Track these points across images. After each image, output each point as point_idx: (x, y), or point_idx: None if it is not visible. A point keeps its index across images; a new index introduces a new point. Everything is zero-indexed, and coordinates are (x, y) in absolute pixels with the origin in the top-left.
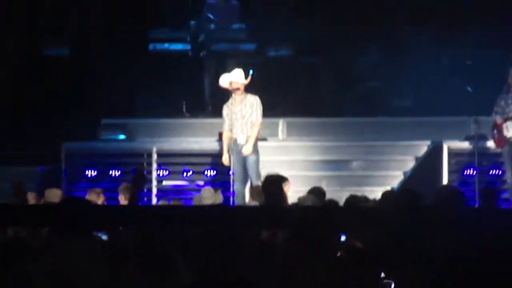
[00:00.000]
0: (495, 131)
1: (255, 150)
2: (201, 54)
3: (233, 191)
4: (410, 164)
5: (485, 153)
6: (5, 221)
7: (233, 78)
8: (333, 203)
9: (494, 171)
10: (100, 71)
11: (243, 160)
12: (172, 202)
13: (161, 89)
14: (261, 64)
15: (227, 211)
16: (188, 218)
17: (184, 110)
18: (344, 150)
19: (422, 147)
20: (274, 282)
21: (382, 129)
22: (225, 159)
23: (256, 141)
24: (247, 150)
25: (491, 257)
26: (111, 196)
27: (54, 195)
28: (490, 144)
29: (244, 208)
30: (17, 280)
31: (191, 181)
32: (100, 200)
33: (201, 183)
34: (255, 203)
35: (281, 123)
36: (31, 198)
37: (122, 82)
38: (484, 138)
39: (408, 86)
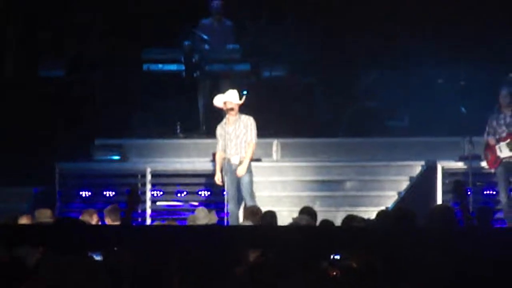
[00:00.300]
0: (488, 152)
1: (249, 170)
2: (195, 74)
3: (227, 212)
4: (404, 184)
5: (479, 173)
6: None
7: (228, 99)
8: (329, 223)
9: (488, 191)
10: (94, 91)
11: (237, 181)
12: (166, 223)
13: (155, 110)
14: (255, 84)
15: (221, 232)
16: (183, 238)
17: (178, 130)
18: (338, 171)
19: (416, 167)
20: None
21: (376, 149)
22: (217, 179)
23: (250, 162)
24: (241, 171)
25: (486, 275)
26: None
27: (44, 215)
28: (484, 164)
29: (238, 228)
30: None
31: (185, 201)
32: (94, 221)
33: (195, 203)
34: (249, 223)
35: (275, 144)
36: (25, 219)
37: (116, 103)
38: (478, 158)
39: (402, 106)
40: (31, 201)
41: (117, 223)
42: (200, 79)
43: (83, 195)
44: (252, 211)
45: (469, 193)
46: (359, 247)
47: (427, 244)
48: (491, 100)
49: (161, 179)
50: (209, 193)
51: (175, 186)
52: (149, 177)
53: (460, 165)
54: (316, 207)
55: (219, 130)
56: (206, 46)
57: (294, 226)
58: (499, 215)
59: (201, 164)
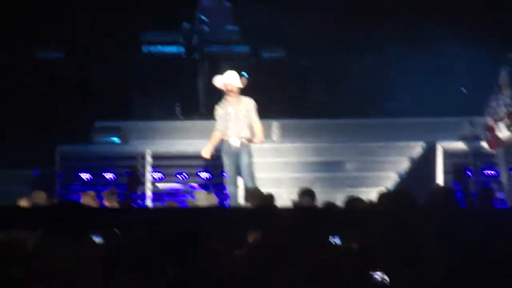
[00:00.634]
0: (488, 133)
1: (249, 152)
2: (195, 56)
3: (227, 193)
4: (404, 165)
5: (479, 153)
6: None
7: (227, 80)
8: (330, 204)
9: (489, 171)
10: (93, 73)
11: (237, 162)
12: (167, 205)
13: (154, 92)
14: (255, 66)
15: (221, 213)
16: (183, 220)
17: (178, 112)
18: (338, 152)
19: (416, 148)
20: (267, 280)
21: (376, 130)
22: (205, 151)
23: (250, 144)
24: (260, 138)
25: (488, 256)
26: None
27: (39, 197)
28: (485, 145)
29: (240, 210)
30: (10, 284)
31: (185, 183)
32: (94, 203)
33: (195, 185)
34: (249, 205)
35: (275, 125)
36: (25, 202)
37: (115, 85)
38: (479, 139)
39: (402, 87)
40: (31, 184)
41: (115, 205)
42: (199, 61)
43: (83, 178)
44: (252, 193)
45: (469, 174)
46: (361, 229)
47: (427, 225)
48: (492, 80)
49: (161, 161)
50: (209, 174)
51: (175, 168)
52: (149, 159)
53: (460, 145)
54: (316, 188)
55: (219, 110)
56: (206, 28)
57: (296, 208)
58: (500, 196)
59: (201, 145)
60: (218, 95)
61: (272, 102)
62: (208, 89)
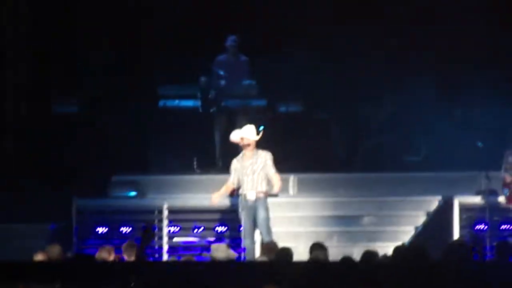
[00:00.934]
0: (506, 189)
1: (265, 206)
2: (212, 110)
3: (244, 247)
4: (421, 219)
5: (496, 208)
6: (16, 278)
7: (244, 134)
8: (346, 259)
9: (505, 226)
10: (111, 128)
11: (254, 216)
12: (183, 259)
13: (171, 146)
14: (272, 119)
15: (238, 267)
16: (201, 273)
17: (195, 166)
18: (355, 206)
19: (433, 202)
20: None
21: (393, 184)
22: (213, 197)
23: (266, 198)
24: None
25: None
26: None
27: (54, 251)
28: (501, 199)
29: (257, 264)
30: None
31: (202, 237)
32: (111, 257)
33: (212, 239)
34: (265, 259)
35: (292, 179)
36: (41, 256)
37: (132, 139)
38: (495, 193)
39: (419, 141)
40: (47, 238)
41: (134, 258)
42: (216, 115)
43: (100, 232)
44: (269, 247)
45: (486, 227)
46: (377, 283)
47: (443, 279)
48: (507, 134)
49: (178, 215)
50: (225, 228)
51: (192, 222)
52: (166, 213)
53: (477, 200)
54: (334, 242)
55: (235, 164)
56: (223, 82)
57: (312, 262)
58: None
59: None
60: (235, 149)
61: (289, 156)
62: (224, 143)
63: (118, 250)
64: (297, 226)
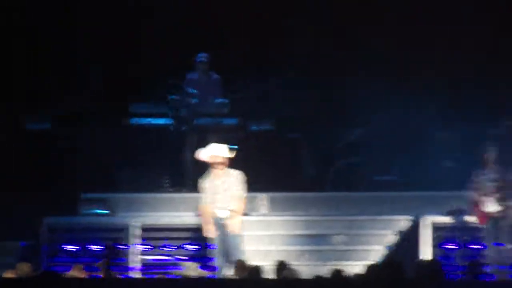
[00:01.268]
0: (476, 208)
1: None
2: (183, 128)
3: (216, 266)
4: (391, 238)
5: (466, 227)
6: None
7: (216, 153)
8: (318, 278)
9: (475, 245)
10: (80, 145)
11: (225, 235)
12: (155, 277)
13: (142, 164)
14: (243, 138)
15: (211, 284)
16: None
17: (166, 184)
18: (326, 225)
19: (403, 222)
20: None
21: (363, 203)
22: (209, 231)
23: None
24: (236, 227)
25: None
26: (92, 271)
27: (23, 269)
28: (471, 219)
29: (227, 281)
30: None
31: (173, 255)
32: (82, 275)
33: (183, 257)
34: (236, 277)
35: (263, 198)
36: (10, 274)
37: (103, 157)
38: (465, 213)
39: (389, 161)
40: (17, 255)
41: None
42: (188, 133)
43: (70, 250)
44: (241, 266)
45: (456, 247)
46: None
47: None
48: (474, 154)
49: (149, 233)
50: (197, 247)
51: (163, 240)
52: (136, 231)
53: (446, 219)
54: (304, 261)
55: (206, 183)
56: (194, 100)
57: (283, 280)
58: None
59: (189, 218)
60: (206, 167)
61: (260, 175)
62: (196, 162)
63: (88, 268)
64: (268, 244)
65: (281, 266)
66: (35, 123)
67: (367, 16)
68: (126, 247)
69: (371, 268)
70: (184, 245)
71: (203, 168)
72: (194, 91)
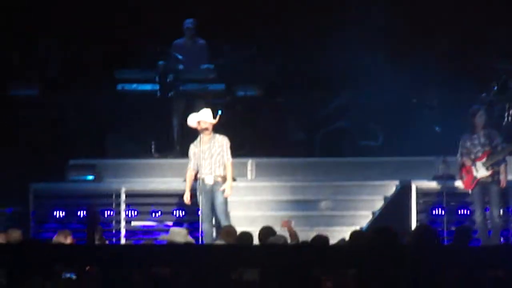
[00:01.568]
0: (464, 173)
1: (223, 190)
2: (170, 94)
3: (202, 231)
4: (378, 203)
5: (453, 193)
6: None
7: (202, 118)
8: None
9: (462, 210)
10: (67, 112)
11: (211, 200)
12: (142, 243)
13: (129, 130)
14: (230, 104)
15: (198, 250)
16: (159, 257)
17: (152, 150)
18: (313, 190)
19: (390, 187)
20: None
21: (350, 169)
22: (186, 198)
23: (224, 182)
24: (229, 191)
25: None
26: (80, 237)
27: (14, 235)
28: (458, 184)
29: (217, 247)
30: None
31: (160, 221)
32: (68, 241)
33: (170, 223)
34: (223, 242)
35: (250, 163)
36: (1, 238)
37: (90, 123)
38: (452, 178)
39: (376, 126)
40: (5, 221)
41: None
42: (174, 99)
43: (57, 216)
44: (227, 231)
45: (443, 212)
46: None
47: (408, 262)
48: (464, 119)
49: (136, 199)
50: (183, 212)
51: (150, 206)
52: (123, 197)
53: (434, 184)
54: (291, 227)
55: (193, 149)
56: (181, 66)
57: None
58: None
59: (175, 184)
60: (193, 133)
61: (247, 140)
62: (182, 127)
63: (75, 234)
64: (254, 210)
65: (268, 232)
66: (21, 90)
67: None
68: (112, 212)
69: (357, 234)
70: (171, 211)
71: (190, 134)
72: (180, 57)
